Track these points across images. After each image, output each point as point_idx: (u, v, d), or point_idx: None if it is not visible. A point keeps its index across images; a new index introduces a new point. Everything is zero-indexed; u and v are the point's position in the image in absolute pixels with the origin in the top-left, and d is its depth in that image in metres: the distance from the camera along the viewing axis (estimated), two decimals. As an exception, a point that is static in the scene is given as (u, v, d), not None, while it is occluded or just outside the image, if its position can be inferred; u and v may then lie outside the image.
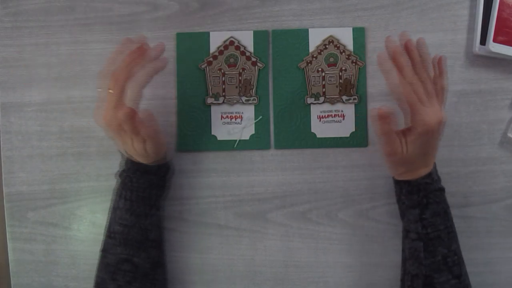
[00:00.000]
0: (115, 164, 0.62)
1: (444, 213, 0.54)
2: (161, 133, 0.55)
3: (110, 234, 0.55)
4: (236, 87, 0.63)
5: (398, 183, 0.56)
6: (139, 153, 0.54)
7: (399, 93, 0.51)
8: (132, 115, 0.50)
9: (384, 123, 0.51)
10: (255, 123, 0.63)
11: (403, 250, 0.56)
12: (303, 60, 0.62)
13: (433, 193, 0.53)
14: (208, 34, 0.63)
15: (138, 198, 0.55)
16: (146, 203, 0.55)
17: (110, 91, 0.51)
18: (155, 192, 0.56)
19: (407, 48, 0.52)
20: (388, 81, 0.52)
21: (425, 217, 0.53)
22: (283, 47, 0.63)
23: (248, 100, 0.62)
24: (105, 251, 0.55)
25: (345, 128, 0.62)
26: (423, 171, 0.54)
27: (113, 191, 0.57)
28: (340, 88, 0.62)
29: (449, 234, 0.53)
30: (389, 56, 0.52)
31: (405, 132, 0.53)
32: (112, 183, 0.58)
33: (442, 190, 0.55)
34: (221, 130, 0.63)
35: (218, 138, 0.63)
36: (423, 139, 0.51)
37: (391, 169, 0.57)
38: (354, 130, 0.62)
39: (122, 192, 0.55)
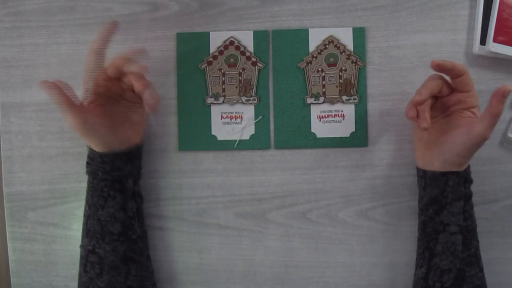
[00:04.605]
0: (115, 164, 0.62)
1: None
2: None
3: (82, 227, 0.57)
4: (236, 87, 0.63)
5: (445, 175, 0.54)
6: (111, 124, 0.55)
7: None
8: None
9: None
10: (255, 123, 0.63)
11: (426, 248, 0.55)
12: (303, 60, 0.62)
13: (470, 184, 0.56)
14: (208, 34, 0.63)
15: (93, 189, 0.56)
16: (99, 194, 0.55)
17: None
18: (105, 184, 0.55)
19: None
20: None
21: (467, 209, 0.54)
22: (283, 47, 0.63)
23: (248, 100, 0.63)
24: (80, 246, 0.57)
25: (345, 128, 0.62)
26: (466, 163, 0.55)
27: None
28: (340, 88, 0.62)
29: (476, 227, 0.55)
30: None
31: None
32: (112, 183, 0.58)
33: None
34: (221, 130, 0.63)
35: (218, 138, 0.63)
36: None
37: (454, 154, 0.54)
38: (354, 130, 0.62)
39: (87, 185, 0.57)
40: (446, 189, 0.54)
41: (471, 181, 0.56)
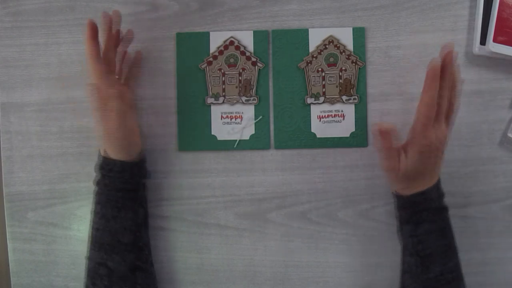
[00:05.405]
0: (115, 164, 0.62)
1: (440, 232, 0.53)
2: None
3: (89, 239, 0.56)
4: (236, 87, 0.63)
5: (393, 195, 0.56)
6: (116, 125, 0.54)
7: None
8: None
9: (384, 139, 0.52)
10: (255, 123, 0.63)
11: (402, 263, 0.56)
12: (303, 60, 0.62)
13: (426, 211, 0.53)
14: (208, 34, 0.63)
15: (105, 200, 0.55)
16: (113, 205, 0.55)
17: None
18: (122, 195, 0.56)
19: (447, 62, 0.50)
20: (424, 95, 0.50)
21: (418, 233, 0.53)
22: (283, 47, 0.63)
23: (248, 100, 0.63)
24: (86, 257, 0.56)
25: (345, 128, 0.62)
26: (416, 189, 0.53)
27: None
28: (340, 88, 0.62)
29: (445, 253, 0.53)
30: (438, 68, 0.49)
31: (406, 147, 0.53)
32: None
33: (439, 209, 0.53)
34: (221, 130, 0.63)
35: (218, 138, 0.63)
36: (416, 160, 0.51)
37: (390, 184, 0.57)
38: (354, 130, 0.62)
39: (96, 196, 0.56)
40: (395, 208, 0.56)
41: (414, 208, 0.53)
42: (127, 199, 0.56)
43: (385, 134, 0.52)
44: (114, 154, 0.55)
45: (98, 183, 0.56)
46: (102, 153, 0.56)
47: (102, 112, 0.53)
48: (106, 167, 0.55)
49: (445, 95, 0.51)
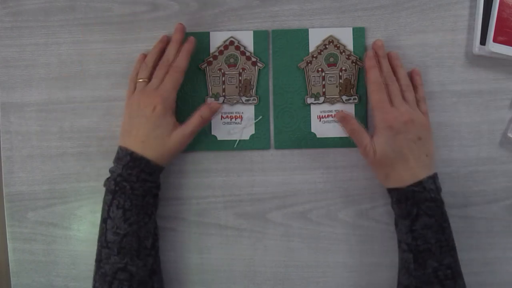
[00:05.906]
0: (115, 164, 0.62)
1: (438, 227, 0.53)
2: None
3: (105, 243, 0.54)
4: (236, 87, 0.63)
5: (389, 191, 0.56)
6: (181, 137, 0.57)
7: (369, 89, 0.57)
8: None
9: (347, 123, 0.56)
10: (255, 123, 0.63)
11: (399, 259, 0.57)
12: (303, 60, 0.62)
13: (424, 203, 0.53)
14: (208, 34, 0.63)
15: (133, 206, 0.54)
16: (142, 211, 0.55)
17: (140, 80, 0.58)
18: (149, 200, 0.56)
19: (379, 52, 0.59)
20: (368, 76, 0.57)
21: (415, 229, 0.53)
22: (283, 47, 0.63)
23: (248, 100, 0.63)
24: (100, 261, 0.54)
25: (345, 128, 0.62)
26: (410, 179, 0.53)
27: (103, 199, 0.56)
28: (340, 88, 0.62)
29: (442, 248, 0.52)
30: (372, 53, 0.58)
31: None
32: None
33: (437, 201, 0.53)
34: (221, 130, 0.63)
35: (218, 138, 0.63)
36: (387, 137, 0.54)
37: (375, 174, 0.57)
38: (354, 130, 0.62)
39: (117, 201, 0.54)
40: (393, 205, 0.56)
41: (413, 199, 0.53)
42: (151, 204, 0.56)
43: (345, 119, 0.57)
44: (158, 159, 0.56)
45: (118, 184, 0.55)
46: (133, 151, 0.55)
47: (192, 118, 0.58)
48: (148, 171, 0.55)
49: (388, 77, 0.57)
